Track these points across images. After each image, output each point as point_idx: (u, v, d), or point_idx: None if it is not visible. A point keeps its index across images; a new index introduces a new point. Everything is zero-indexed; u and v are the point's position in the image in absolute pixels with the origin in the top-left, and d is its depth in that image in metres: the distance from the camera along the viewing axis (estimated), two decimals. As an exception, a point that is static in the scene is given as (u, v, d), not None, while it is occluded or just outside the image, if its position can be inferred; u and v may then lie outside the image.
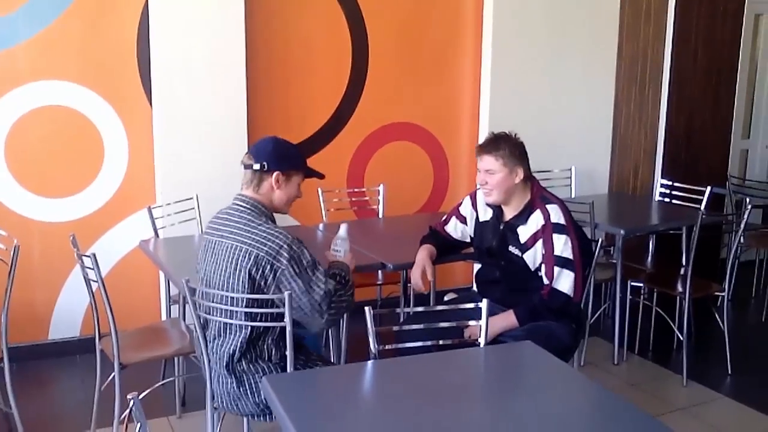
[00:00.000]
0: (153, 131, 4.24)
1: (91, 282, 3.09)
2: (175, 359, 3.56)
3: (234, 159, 4.27)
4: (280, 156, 2.65)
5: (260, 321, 2.55)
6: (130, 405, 1.62)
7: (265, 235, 2.51)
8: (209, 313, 2.60)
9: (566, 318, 2.96)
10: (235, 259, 2.52)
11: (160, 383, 3.66)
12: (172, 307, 3.95)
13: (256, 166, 2.61)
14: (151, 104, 4.22)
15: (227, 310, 2.55)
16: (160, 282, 4.24)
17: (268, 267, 2.49)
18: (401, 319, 3.26)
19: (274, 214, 2.68)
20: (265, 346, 2.59)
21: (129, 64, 4.20)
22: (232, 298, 2.53)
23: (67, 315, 4.27)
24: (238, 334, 2.56)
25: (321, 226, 4.12)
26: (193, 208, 4.05)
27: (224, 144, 4.31)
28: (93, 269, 2.95)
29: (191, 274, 2.71)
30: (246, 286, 2.50)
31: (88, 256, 2.95)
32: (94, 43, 4.11)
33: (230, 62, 4.27)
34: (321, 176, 2.82)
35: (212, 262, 2.60)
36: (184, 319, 3.52)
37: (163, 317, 4.23)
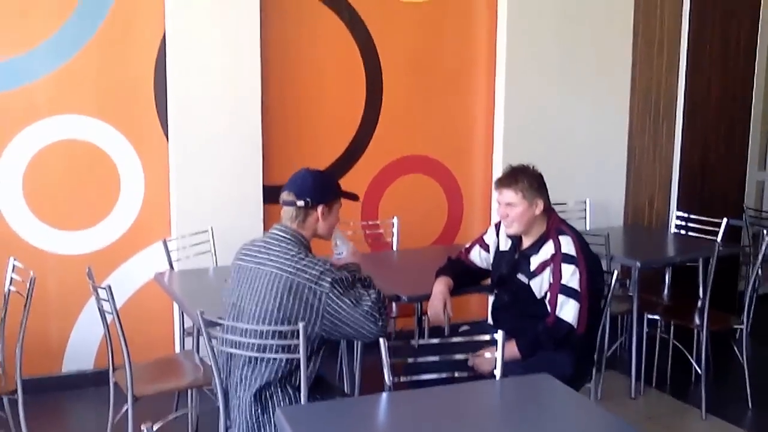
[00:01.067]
0: (169, 164, 4.27)
1: (106, 314, 3.10)
2: (189, 392, 3.54)
3: (249, 192, 4.37)
4: (321, 189, 2.70)
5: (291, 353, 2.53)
6: (144, 436, 1.61)
7: (306, 263, 2.53)
8: (235, 347, 2.58)
9: (568, 348, 2.94)
10: (275, 287, 2.52)
11: (173, 416, 3.64)
12: (186, 339, 3.94)
13: (300, 203, 2.64)
14: (167, 137, 4.27)
15: (258, 344, 2.54)
16: (174, 314, 4.24)
17: (312, 295, 2.49)
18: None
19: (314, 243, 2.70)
20: (297, 376, 2.58)
21: (146, 98, 4.25)
22: (263, 331, 2.52)
23: (82, 347, 4.27)
24: (273, 363, 2.55)
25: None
26: (208, 241, 4.06)
27: (239, 177, 4.34)
28: (108, 301, 2.96)
29: (206, 306, 2.71)
30: (282, 314, 2.50)
31: (104, 288, 2.96)
32: (112, 77, 4.17)
33: (245, 96, 4.31)
34: (357, 198, 2.90)
35: (248, 289, 2.59)
36: (198, 352, 3.51)
37: (177, 350, 4.22)
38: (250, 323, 2.56)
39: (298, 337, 2.49)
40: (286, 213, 2.68)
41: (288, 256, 2.56)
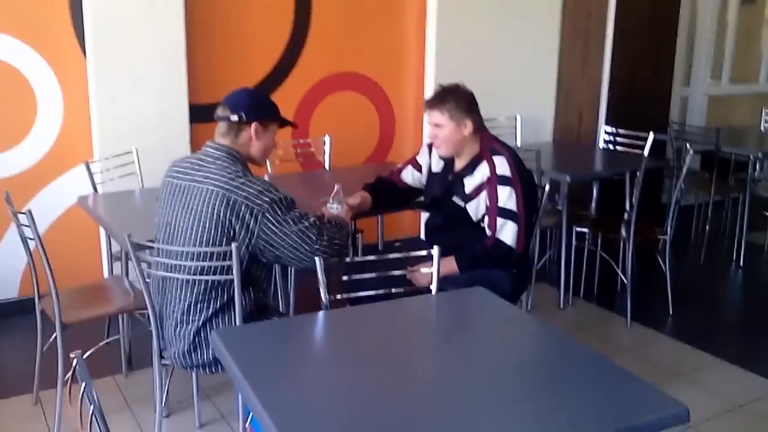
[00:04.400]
0: (88, 83, 4.07)
1: (28, 240, 2.98)
2: (120, 317, 3.48)
3: (174, 111, 4.22)
4: (257, 106, 2.65)
5: (220, 274, 2.50)
6: (74, 364, 1.56)
7: (243, 181, 2.47)
8: (169, 270, 2.53)
9: (507, 266, 2.98)
10: (211, 204, 2.45)
11: (104, 342, 3.58)
12: (114, 264, 3.85)
13: (234, 118, 2.57)
14: (85, 55, 4.05)
15: (184, 265, 2.49)
16: (101, 239, 4.12)
17: (248, 213, 2.44)
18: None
19: (250, 166, 2.63)
20: (226, 298, 2.55)
21: (61, 13, 4.00)
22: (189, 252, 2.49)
23: (5, 275, 4.12)
24: (207, 282, 2.52)
25: (266, 177, 4.04)
26: (133, 162, 3.93)
27: (163, 95, 4.17)
28: (29, 227, 2.84)
29: (133, 229, 2.62)
30: (219, 232, 2.45)
31: (24, 213, 2.84)
32: (20, -10, 3.91)
33: (167, 9, 4.10)
34: (294, 125, 2.87)
35: (182, 207, 2.52)
36: (128, 276, 3.43)
37: (106, 275, 4.13)
38: (185, 243, 2.50)
39: (231, 258, 2.45)
40: (219, 128, 2.61)
41: (224, 173, 2.49)
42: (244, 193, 2.45)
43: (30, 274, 3.15)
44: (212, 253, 2.47)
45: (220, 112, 2.62)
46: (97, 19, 3.96)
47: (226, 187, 2.46)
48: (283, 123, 2.77)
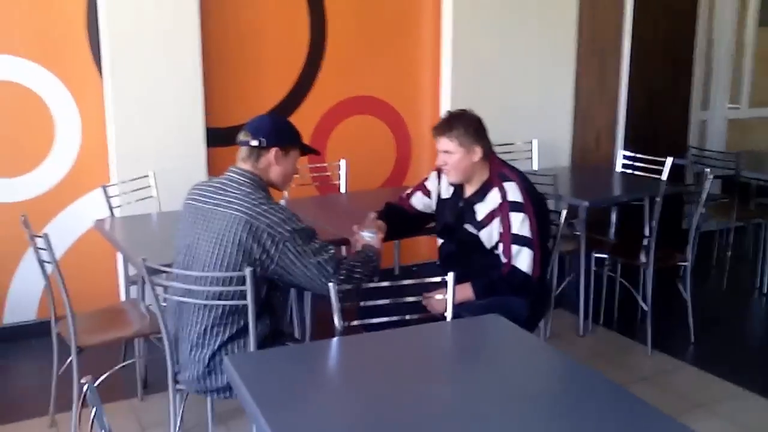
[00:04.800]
0: (105, 107, 4.10)
1: (45, 264, 2.99)
2: (136, 341, 3.48)
3: (190, 134, 4.23)
4: (278, 132, 2.65)
5: (237, 299, 2.49)
6: (85, 390, 1.55)
7: (266, 208, 2.47)
8: (183, 294, 2.52)
9: (525, 293, 2.94)
10: (233, 229, 2.44)
11: (120, 365, 3.57)
12: (130, 287, 3.85)
13: (254, 143, 2.58)
14: (102, 78, 4.08)
15: (201, 290, 2.49)
16: (118, 262, 4.13)
17: (270, 240, 2.44)
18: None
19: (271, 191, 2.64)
20: (243, 323, 2.53)
21: (78, 36, 4.05)
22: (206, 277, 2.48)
23: (23, 298, 4.14)
24: (214, 309, 2.51)
25: (282, 202, 4.03)
26: (150, 186, 3.94)
27: (180, 119, 4.19)
28: (46, 250, 2.85)
29: (149, 253, 2.62)
30: (239, 257, 2.44)
31: (41, 237, 2.85)
32: (38, 13, 3.95)
33: (184, 33, 4.13)
34: (317, 152, 2.89)
35: (204, 229, 2.51)
36: (144, 300, 3.43)
37: (122, 298, 4.13)
38: (205, 266, 2.49)
39: (238, 283, 2.44)
40: (241, 153, 2.62)
41: (248, 199, 2.49)
42: (267, 221, 2.45)
43: (47, 297, 3.15)
44: (230, 278, 2.46)
45: (242, 137, 2.62)
46: (114, 43, 4.01)
47: (250, 213, 2.45)
48: (305, 150, 2.79)
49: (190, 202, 2.63)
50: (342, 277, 2.53)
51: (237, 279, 2.46)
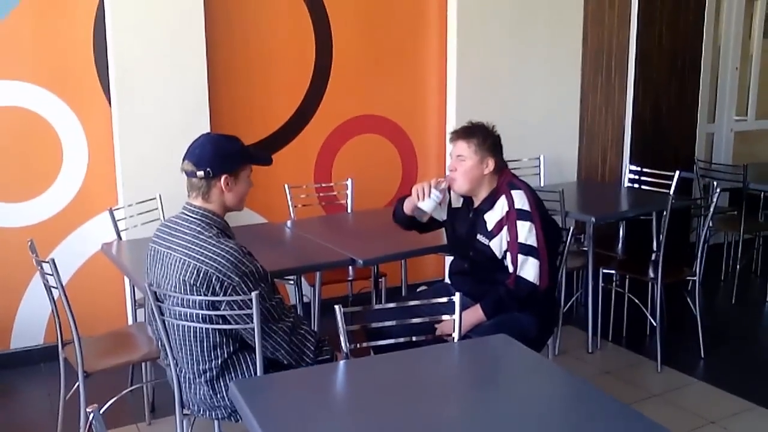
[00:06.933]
0: (113, 131, 4.12)
1: (52, 289, 2.99)
2: (143, 365, 3.47)
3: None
4: (222, 157, 2.48)
5: (227, 324, 2.46)
6: (90, 418, 1.55)
7: (215, 250, 2.38)
8: (177, 317, 2.50)
9: (532, 308, 2.93)
10: (183, 275, 2.39)
11: (127, 390, 3.56)
12: (137, 311, 3.85)
13: (200, 173, 2.44)
14: (110, 103, 4.11)
15: (193, 313, 2.46)
16: (125, 286, 4.14)
17: (219, 285, 2.37)
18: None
19: (230, 214, 2.57)
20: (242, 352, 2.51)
21: (85, 62, 4.08)
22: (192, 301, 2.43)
23: (30, 323, 4.14)
24: (225, 333, 2.47)
25: (289, 223, 4.05)
26: (157, 209, 3.95)
27: (187, 142, 4.11)
28: (53, 275, 2.86)
29: (155, 278, 2.62)
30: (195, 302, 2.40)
31: (47, 262, 2.85)
32: (47, 40, 3.98)
33: (190, 58, 4.16)
34: (268, 161, 2.68)
35: (161, 272, 2.49)
36: (151, 324, 3.42)
37: (129, 322, 4.13)
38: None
39: (243, 308, 2.40)
40: (189, 184, 2.49)
41: (197, 241, 2.40)
42: (216, 264, 2.36)
43: (54, 322, 3.16)
44: (229, 302, 2.41)
45: (185, 166, 2.49)
46: (122, 69, 4.03)
47: (198, 258, 2.38)
48: (256, 162, 2.61)
49: (150, 242, 2.59)
50: (284, 327, 2.46)
51: (236, 303, 2.41)
